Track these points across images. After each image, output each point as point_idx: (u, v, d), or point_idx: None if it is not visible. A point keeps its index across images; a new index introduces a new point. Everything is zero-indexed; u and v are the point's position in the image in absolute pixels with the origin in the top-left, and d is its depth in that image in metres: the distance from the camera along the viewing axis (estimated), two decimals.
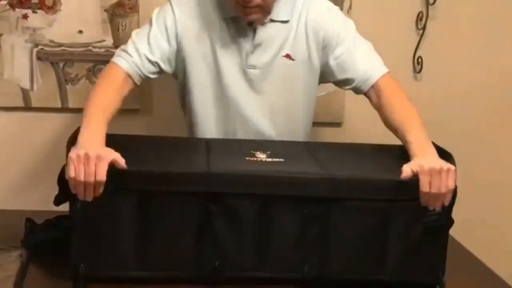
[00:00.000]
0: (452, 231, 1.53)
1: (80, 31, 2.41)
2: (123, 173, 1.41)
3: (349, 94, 2.57)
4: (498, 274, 1.63)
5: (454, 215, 1.49)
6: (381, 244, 1.47)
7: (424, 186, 1.46)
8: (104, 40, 2.41)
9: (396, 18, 2.57)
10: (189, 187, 1.42)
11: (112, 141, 1.66)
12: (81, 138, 1.49)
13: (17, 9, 2.37)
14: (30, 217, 1.70)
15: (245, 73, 1.87)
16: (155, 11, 1.88)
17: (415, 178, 1.47)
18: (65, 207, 1.49)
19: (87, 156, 1.39)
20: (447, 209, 1.47)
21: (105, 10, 2.40)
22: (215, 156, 1.55)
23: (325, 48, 1.89)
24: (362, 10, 2.54)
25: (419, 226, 1.47)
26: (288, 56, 1.88)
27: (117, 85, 1.77)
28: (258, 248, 1.46)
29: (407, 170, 1.49)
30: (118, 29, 2.41)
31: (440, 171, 1.46)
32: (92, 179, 1.39)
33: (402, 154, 1.73)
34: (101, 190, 1.41)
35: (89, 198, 1.41)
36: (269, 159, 1.54)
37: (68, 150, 1.42)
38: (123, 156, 1.44)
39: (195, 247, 1.45)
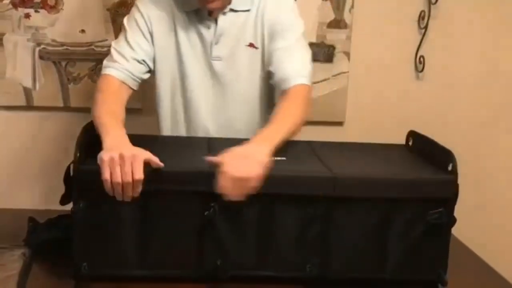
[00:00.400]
0: (454, 230, 1.53)
1: (83, 31, 2.42)
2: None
3: (351, 93, 2.60)
4: (500, 272, 1.63)
5: (456, 213, 1.49)
6: (383, 243, 1.47)
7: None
8: (106, 40, 2.42)
9: (398, 17, 2.57)
10: (190, 186, 1.42)
11: None
12: (107, 143, 1.45)
13: (19, 8, 2.38)
14: (32, 216, 1.70)
15: (210, 65, 1.89)
16: (125, 19, 1.91)
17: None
18: (68, 206, 1.49)
19: (122, 157, 1.37)
20: (449, 208, 1.47)
21: (107, 9, 2.41)
22: (217, 155, 1.55)
23: (271, 37, 1.89)
24: (364, 9, 2.55)
25: (421, 224, 1.47)
26: (251, 45, 1.90)
27: (115, 94, 1.78)
28: (260, 247, 1.45)
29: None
30: (120, 29, 2.41)
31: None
32: (130, 179, 1.36)
33: (404, 153, 1.73)
34: (139, 189, 1.38)
35: (128, 199, 1.39)
36: (272, 158, 1.54)
37: (77, 149, 1.41)
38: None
39: (196, 246, 1.44)
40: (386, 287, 1.49)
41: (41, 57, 2.42)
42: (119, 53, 1.84)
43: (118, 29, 2.41)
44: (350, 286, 1.48)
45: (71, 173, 1.43)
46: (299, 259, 1.46)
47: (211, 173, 1.41)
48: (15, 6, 2.37)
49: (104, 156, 1.38)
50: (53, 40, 2.41)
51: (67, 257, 1.44)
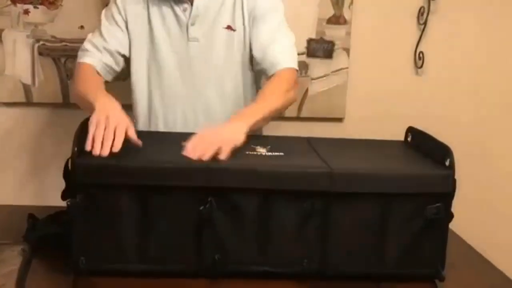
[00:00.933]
0: (452, 225, 1.53)
1: (82, 27, 2.42)
2: (124, 168, 1.42)
3: (350, 89, 2.60)
4: (498, 267, 1.63)
5: (454, 209, 1.49)
6: (381, 238, 1.47)
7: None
8: None
9: (397, 13, 2.57)
10: (189, 182, 1.42)
11: None
12: (96, 107, 1.55)
13: (18, 5, 2.38)
14: (31, 212, 1.70)
15: (187, 48, 1.90)
16: (103, 11, 1.97)
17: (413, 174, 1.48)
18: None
19: (107, 118, 1.48)
20: (447, 203, 1.47)
21: (106, 5, 2.40)
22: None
23: (252, 21, 1.91)
24: (363, 5, 2.55)
25: (419, 219, 1.47)
26: (229, 27, 1.91)
27: (94, 75, 1.86)
28: (258, 242, 1.45)
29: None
30: None
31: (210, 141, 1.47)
32: (111, 137, 1.45)
33: (402, 149, 1.73)
34: (118, 147, 1.45)
35: (105, 153, 1.44)
36: (269, 153, 1.54)
37: (75, 143, 1.42)
38: (123, 150, 1.47)
39: (195, 241, 1.44)
40: (384, 282, 1.49)
41: (40, 54, 2.43)
42: (92, 44, 1.90)
43: None
44: (349, 281, 1.48)
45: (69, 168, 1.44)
46: (298, 254, 1.46)
47: (210, 168, 1.41)
48: (14, 2, 2.37)
49: (93, 117, 1.50)
50: (53, 36, 2.41)
51: (66, 253, 1.45)
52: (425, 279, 1.51)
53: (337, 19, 2.55)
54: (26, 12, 2.38)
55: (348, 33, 2.56)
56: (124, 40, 1.91)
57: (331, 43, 2.56)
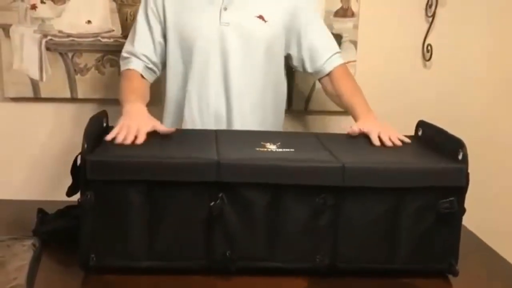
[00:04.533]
0: (465, 220, 1.52)
1: (89, 21, 2.42)
2: (134, 164, 1.42)
3: (358, 82, 2.57)
4: (510, 261, 1.62)
5: (466, 203, 1.48)
6: (393, 233, 1.47)
7: (375, 141, 1.68)
8: (113, 30, 2.41)
9: (405, 5, 2.56)
10: (199, 177, 1.42)
11: None
12: (124, 113, 1.71)
13: (25, 0, 2.37)
14: (41, 207, 1.70)
15: (218, 31, 1.96)
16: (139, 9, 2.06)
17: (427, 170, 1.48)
18: (76, 197, 1.48)
19: (128, 125, 1.58)
20: (460, 197, 1.46)
21: (113, 0, 2.40)
22: (225, 146, 1.55)
23: (292, 16, 2.02)
24: None
25: (431, 214, 1.46)
26: (261, 17, 1.96)
27: (137, 78, 1.97)
28: (269, 238, 1.45)
29: (355, 129, 1.75)
30: (126, 19, 2.41)
31: (385, 131, 1.71)
32: (129, 142, 1.54)
33: (414, 142, 1.72)
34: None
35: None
36: (280, 150, 1.54)
37: (85, 139, 1.41)
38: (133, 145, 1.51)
39: (205, 237, 1.44)
40: (396, 277, 1.49)
41: (47, 49, 2.42)
42: (130, 52, 2.00)
43: (124, 19, 2.41)
44: (360, 276, 1.48)
45: (78, 164, 1.43)
46: (309, 249, 1.46)
47: (218, 163, 1.41)
48: None
49: (118, 122, 1.61)
50: (60, 31, 2.41)
51: (76, 247, 1.45)
52: (438, 274, 1.51)
53: (344, 12, 2.53)
54: (33, 7, 2.38)
55: (356, 26, 2.54)
56: (158, 38, 2.00)
57: (339, 36, 2.54)
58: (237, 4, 1.96)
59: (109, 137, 1.54)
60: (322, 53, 2.05)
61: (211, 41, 1.96)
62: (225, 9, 1.95)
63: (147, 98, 1.93)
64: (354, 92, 2.01)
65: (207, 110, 2.00)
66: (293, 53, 2.08)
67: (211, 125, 1.99)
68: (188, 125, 2.00)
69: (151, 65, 2.00)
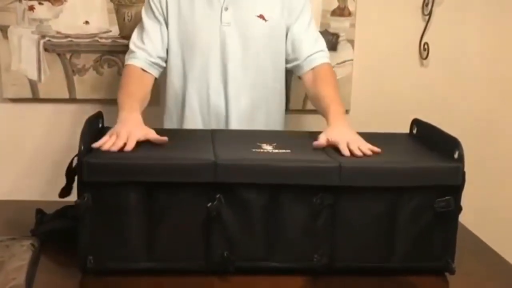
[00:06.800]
0: (462, 218, 1.53)
1: (87, 22, 2.42)
2: (131, 165, 1.42)
3: (355, 81, 2.59)
4: (509, 260, 1.63)
5: (463, 202, 1.49)
6: (390, 232, 1.47)
7: (345, 151, 1.56)
8: (110, 31, 2.42)
9: (402, 4, 2.56)
10: (196, 178, 1.42)
11: None
12: (118, 120, 1.67)
13: (23, 1, 2.38)
14: (39, 207, 1.71)
15: (219, 31, 1.97)
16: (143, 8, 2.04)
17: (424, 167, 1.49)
18: (73, 197, 1.49)
19: (118, 133, 1.54)
20: (457, 196, 1.47)
21: (111, 1, 2.42)
22: (221, 147, 1.55)
23: (288, 14, 2.01)
24: None
25: (428, 212, 1.47)
26: (261, 16, 1.97)
27: (137, 78, 1.94)
28: (267, 238, 1.46)
29: (322, 141, 1.62)
30: (124, 19, 2.41)
31: (354, 141, 1.60)
32: (117, 149, 1.50)
33: (408, 141, 1.73)
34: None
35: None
36: (276, 151, 1.54)
37: (81, 141, 1.42)
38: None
39: (203, 238, 1.45)
40: (394, 276, 1.49)
41: (46, 49, 2.42)
42: (136, 45, 1.98)
43: (121, 20, 2.41)
44: (358, 276, 1.49)
45: (74, 166, 1.44)
46: (307, 249, 1.47)
47: (216, 164, 1.41)
48: None
49: (111, 130, 1.58)
50: (58, 32, 2.41)
51: (74, 248, 1.45)
52: (435, 272, 1.51)
53: (341, 11, 2.54)
54: (31, 8, 2.38)
55: (353, 25, 2.55)
56: (165, 34, 1.99)
57: (336, 35, 2.55)
58: (237, 4, 1.97)
59: (96, 144, 1.50)
60: (304, 49, 2.00)
61: (212, 42, 1.97)
62: (226, 9, 1.96)
63: (146, 100, 1.91)
64: (332, 99, 1.88)
65: (207, 108, 2.01)
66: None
67: (211, 123, 2.00)
68: (189, 123, 2.01)
69: (158, 60, 1.98)
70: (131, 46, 1.99)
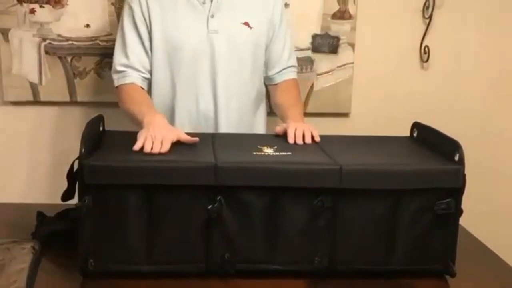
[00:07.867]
0: (462, 220, 1.53)
1: (87, 25, 2.43)
2: (132, 168, 1.42)
3: (356, 84, 2.59)
4: (510, 263, 1.63)
5: (463, 204, 1.49)
6: (391, 234, 1.47)
7: (290, 136, 1.70)
8: (111, 34, 2.42)
9: (402, 7, 2.57)
10: (197, 181, 1.42)
11: (118, 135, 1.67)
12: (145, 124, 1.68)
13: (24, 4, 2.38)
14: (40, 210, 1.71)
15: (207, 39, 1.97)
16: (121, 19, 2.03)
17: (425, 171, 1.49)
18: (74, 201, 1.49)
19: (154, 137, 1.55)
20: (457, 198, 1.47)
21: (112, 4, 2.41)
22: (222, 150, 1.56)
23: (270, 26, 2.05)
24: (368, 0, 2.54)
25: (429, 215, 1.47)
26: (246, 24, 2.00)
27: (138, 92, 1.96)
28: (268, 240, 1.46)
29: (279, 128, 1.77)
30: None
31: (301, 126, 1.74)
32: (157, 151, 1.52)
33: (409, 144, 1.73)
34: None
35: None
36: (277, 153, 1.54)
37: (82, 144, 1.42)
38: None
39: (204, 240, 1.45)
40: (394, 278, 1.49)
41: (46, 52, 2.43)
42: (124, 65, 1.98)
43: None
44: (359, 278, 1.49)
45: (75, 169, 1.44)
46: (307, 251, 1.47)
47: (216, 167, 1.41)
48: (20, 1, 2.38)
49: (141, 133, 1.58)
50: (59, 35, 2.42)
51: (75, 251, 1.45)
52: (435, 275, 1.51)
53: (342, 14, 2.54)
54: (32, 11, 2.39)
55: (353, 28, 2.55)
56: (147, 45, 1.99)
57: (336, 38, 2.55)
58: (223, 12, 1.98)
59: (136, 147, 1.52)
60: (277, 63, 2.10)
61: (200, 49, 1.97)
62: (212, 16, 1.97)
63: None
64: (292, 104, 2.04)
65: (196, 114, 2.01)
66: None
67: (200, 128, 2.00)
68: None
69: (147, 75, 1.99)
70: (117, 66, 1.99)
